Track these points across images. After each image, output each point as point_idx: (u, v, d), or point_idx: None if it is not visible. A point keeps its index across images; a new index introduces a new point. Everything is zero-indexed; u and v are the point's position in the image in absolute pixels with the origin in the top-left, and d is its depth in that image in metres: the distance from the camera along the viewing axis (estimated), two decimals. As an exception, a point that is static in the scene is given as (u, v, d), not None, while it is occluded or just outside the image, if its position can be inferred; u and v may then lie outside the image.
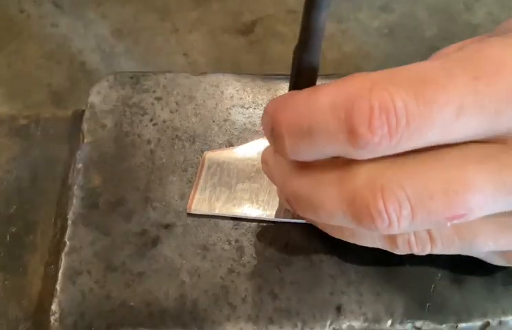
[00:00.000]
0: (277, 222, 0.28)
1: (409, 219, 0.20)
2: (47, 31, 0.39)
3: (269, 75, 0.34)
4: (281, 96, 0.22)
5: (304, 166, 0.23)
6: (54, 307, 0.25)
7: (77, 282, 0.25)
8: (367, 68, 0.39)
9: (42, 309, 0.26)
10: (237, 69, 0.35)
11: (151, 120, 0.31)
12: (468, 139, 0.20)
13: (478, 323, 0.25)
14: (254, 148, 0.30)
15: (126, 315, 0.25)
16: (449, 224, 0.20)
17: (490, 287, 0.26)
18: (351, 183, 0.21)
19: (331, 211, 0.22)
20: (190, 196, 0.28)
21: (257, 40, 0.40)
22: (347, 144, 0.20)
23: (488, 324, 0.25)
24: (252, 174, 0.29)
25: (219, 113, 0.32)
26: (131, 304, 0.25)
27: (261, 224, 0.28)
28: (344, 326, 0.25)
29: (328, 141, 0.21)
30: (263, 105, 0.31)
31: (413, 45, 0.39)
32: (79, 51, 0.39)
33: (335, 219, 0.22)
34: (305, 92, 0.21)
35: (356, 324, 0.25)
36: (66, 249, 0.26)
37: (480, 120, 0.20)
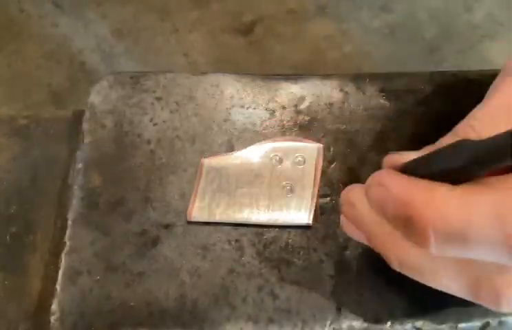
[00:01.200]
0: (278, 226, 0.27)
1: None
2: (47, 31, 0.40)
3: (269, 75, 0.33)
4: (417, 182, 0.20)
5: None
6: (54, 307, 0.25)
7: (77, 282, 0.25)
8: (367, 68, 0.39)
9: (42, 309, 0.26)
10: (237, 69, 0.35)
11: (151, 120, 0.31)
12: None
13: (478, 323, 0.25)
14: (252, 153, 0.30)
15: (126, 315, 0.25)
16: None
17: (490, 287, 0.26)
18: None
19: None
20: (190, 204, 0.28)
21: (257, 40, 0.40)
22: (509, 256, 0.19)
23: (488, 324, 0.25)
24: (252, 179, 0.29)
25: (219, 113, 0.32)
26: (131, 304, 0.25)
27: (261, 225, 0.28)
28: (344, 326, 0.25)
29: (485, 249, 0.20)
30: (263, 105, 0.31)
31: (413, 45, 0.39)
32: (79, 51, 0.39)
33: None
34: (458, 192, 0.20)
35: (356, 324, 0.25)
36: (66, 249, 0.26)
37: None
